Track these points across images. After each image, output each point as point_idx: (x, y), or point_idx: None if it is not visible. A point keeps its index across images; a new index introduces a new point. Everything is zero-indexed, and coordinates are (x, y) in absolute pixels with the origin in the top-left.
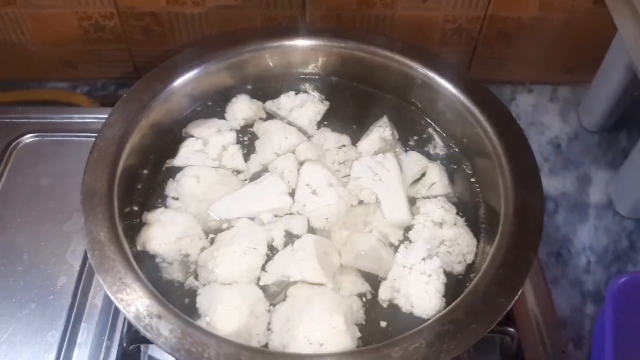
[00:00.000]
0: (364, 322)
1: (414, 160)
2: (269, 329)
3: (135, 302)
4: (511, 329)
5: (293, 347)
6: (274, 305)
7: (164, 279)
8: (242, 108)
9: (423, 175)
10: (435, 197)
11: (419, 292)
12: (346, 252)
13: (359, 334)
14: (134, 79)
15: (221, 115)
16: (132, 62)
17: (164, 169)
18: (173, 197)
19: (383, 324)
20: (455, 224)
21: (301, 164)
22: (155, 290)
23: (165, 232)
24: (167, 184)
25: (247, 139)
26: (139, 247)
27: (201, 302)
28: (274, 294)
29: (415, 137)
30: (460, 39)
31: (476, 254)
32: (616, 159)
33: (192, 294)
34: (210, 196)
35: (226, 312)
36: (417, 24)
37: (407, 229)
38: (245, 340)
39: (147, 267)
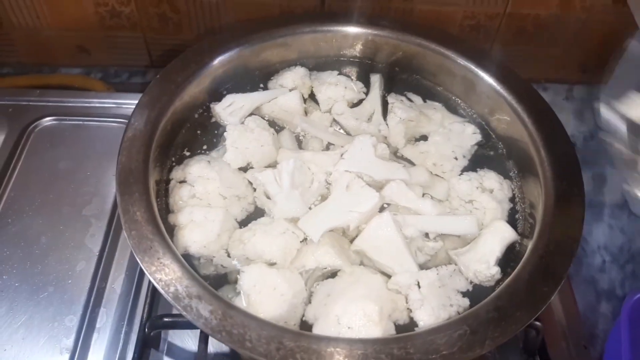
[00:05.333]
0: (406, 322)
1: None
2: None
3: (175, 283)
4: (537, 323)
5: (322, 322)
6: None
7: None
8: (293, 78)
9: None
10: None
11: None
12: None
13: (393, 332)
14: (148, 68)
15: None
16: (146, 50)
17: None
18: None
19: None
20: (498, 202)
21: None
22: (193, 272)
23: (205, 233)
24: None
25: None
26: (180, 252)
27: (245, 280)
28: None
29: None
30: (478, 36)
31: None
32: (632, 159)
33: (220, 270)
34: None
35: (272, 297)
36: (436, 19)
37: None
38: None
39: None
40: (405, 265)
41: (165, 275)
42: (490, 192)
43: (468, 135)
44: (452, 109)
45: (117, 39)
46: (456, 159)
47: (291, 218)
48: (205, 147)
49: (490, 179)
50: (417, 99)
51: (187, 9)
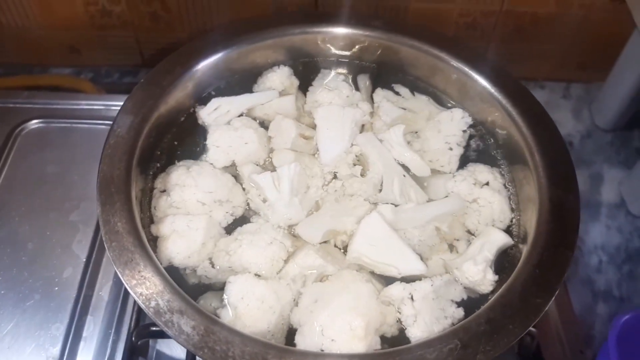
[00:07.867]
0: (395, 335)
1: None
2: (295, 304)
3: (156, 297)
4: (532, 328)
5: (306, 330)
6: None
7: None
8: (280, 79)
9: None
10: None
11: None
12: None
13: (378, 346)
14: (139, 67)
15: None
16: (138, 50)
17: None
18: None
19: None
20: (498, 191)
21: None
22: (176, 285)
23: (188, 243)
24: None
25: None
26: (163, 264)
27: (232, 291)
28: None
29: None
30: (475, 34)
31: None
32: (629, 158)
33: (204, 280)
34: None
35: (260, 309)
36: (432, 17)
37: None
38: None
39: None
40: (407, 259)
41: (146, 289)
42: (487, 184)
43: (457, 121)
44: (440, 101)
45: (108, 39)
46: (451, 149)
47: (288, 225)
48: (190, 151)
49: (482, 172)
50: (405, 92)
51: (179, 8)
